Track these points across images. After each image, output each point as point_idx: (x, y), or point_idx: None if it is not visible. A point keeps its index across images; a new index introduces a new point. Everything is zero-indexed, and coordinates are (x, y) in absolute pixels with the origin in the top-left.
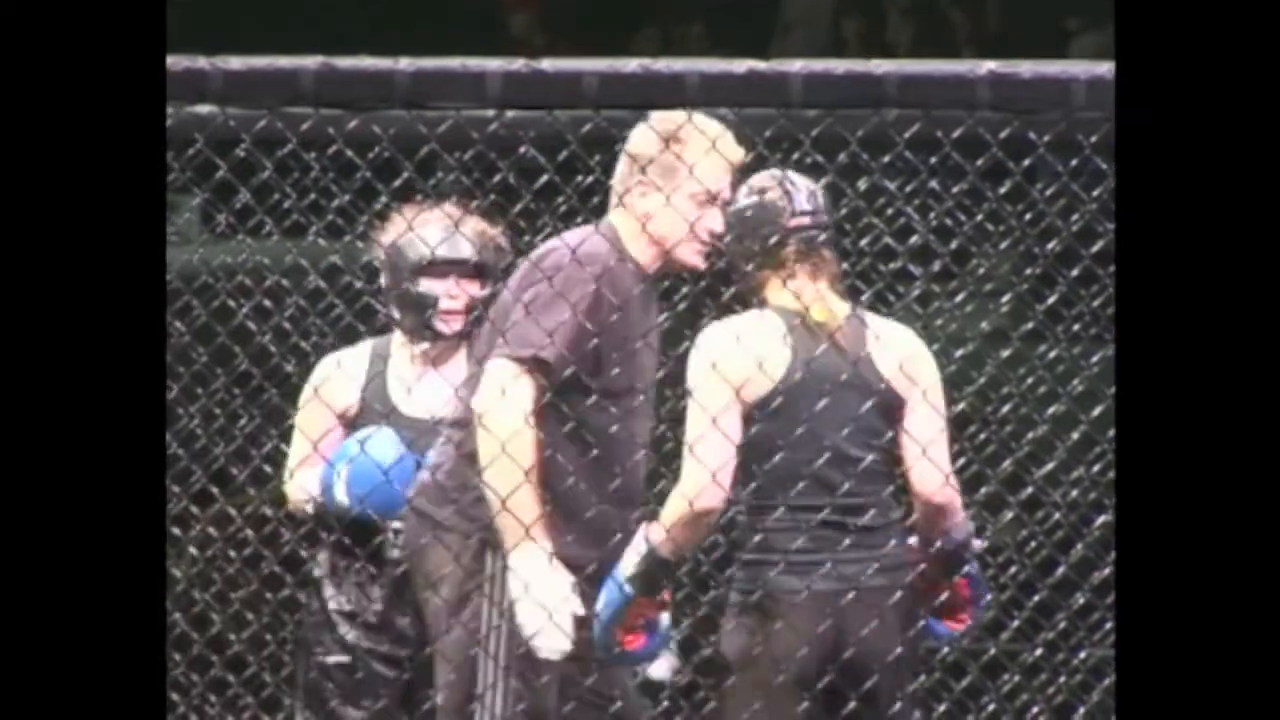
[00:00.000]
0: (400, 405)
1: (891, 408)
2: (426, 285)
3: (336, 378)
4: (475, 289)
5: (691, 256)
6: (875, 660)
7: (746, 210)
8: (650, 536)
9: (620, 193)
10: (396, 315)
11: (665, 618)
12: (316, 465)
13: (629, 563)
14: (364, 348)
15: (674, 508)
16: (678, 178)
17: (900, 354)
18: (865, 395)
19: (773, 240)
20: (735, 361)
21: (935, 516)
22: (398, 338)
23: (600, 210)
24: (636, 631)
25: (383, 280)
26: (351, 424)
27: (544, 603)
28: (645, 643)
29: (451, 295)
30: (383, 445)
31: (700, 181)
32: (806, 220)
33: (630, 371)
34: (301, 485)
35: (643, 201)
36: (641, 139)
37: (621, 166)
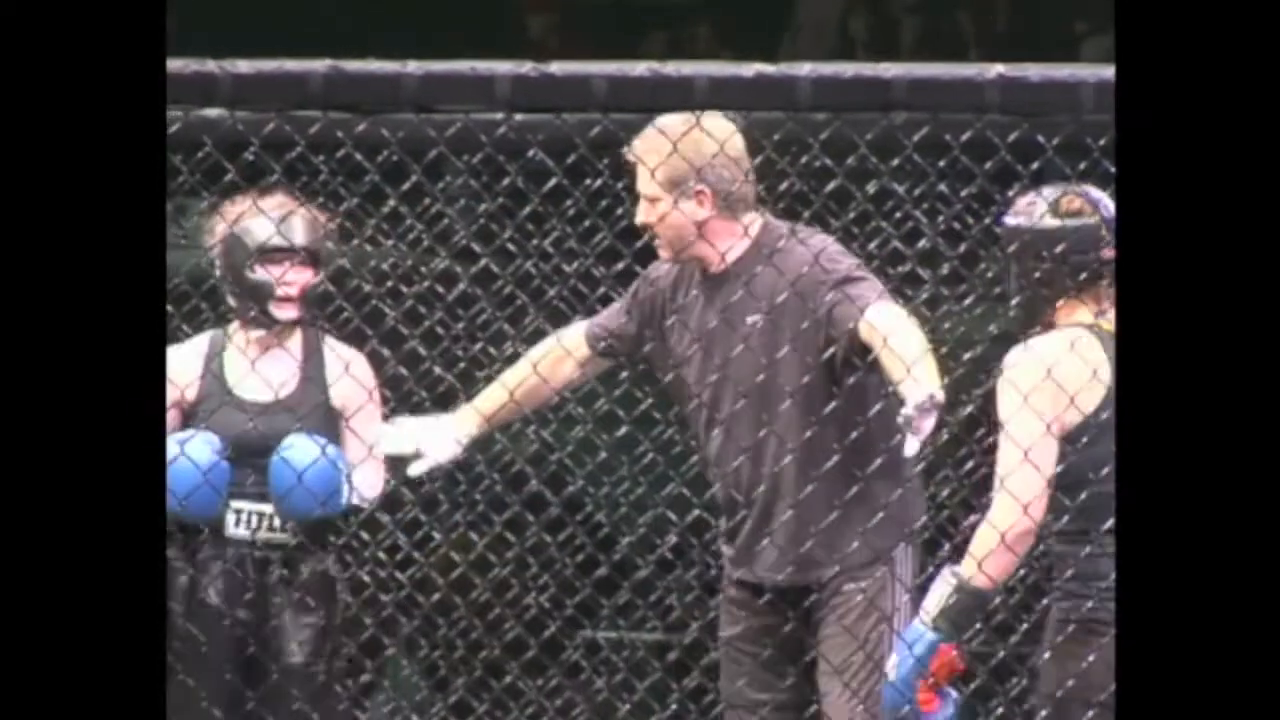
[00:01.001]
0: (237, 389)
1: None
2: (262, 273)
3: (184, 363)
4: (308, 276)
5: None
6: None
7: (1058, 231)
8: (960, 572)
9: None
10: (233, 303)
11: (952, 693)
12: None
13: (933, 602)
14: (202, 339)
15: (986, 539)
16: None
17: None
18: None
19: (1085, 268)
20: (1049, 389)
21: None
22: (234, 326)
23: (606, 214)
24: (932, 690)
25: (217, 269)
26: (192, 409)
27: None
28: (939, 707)
29: (286, 282)
30: (200, 448)
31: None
32: None
33: (664, 358)
34: None
35: None
36: None
37: None
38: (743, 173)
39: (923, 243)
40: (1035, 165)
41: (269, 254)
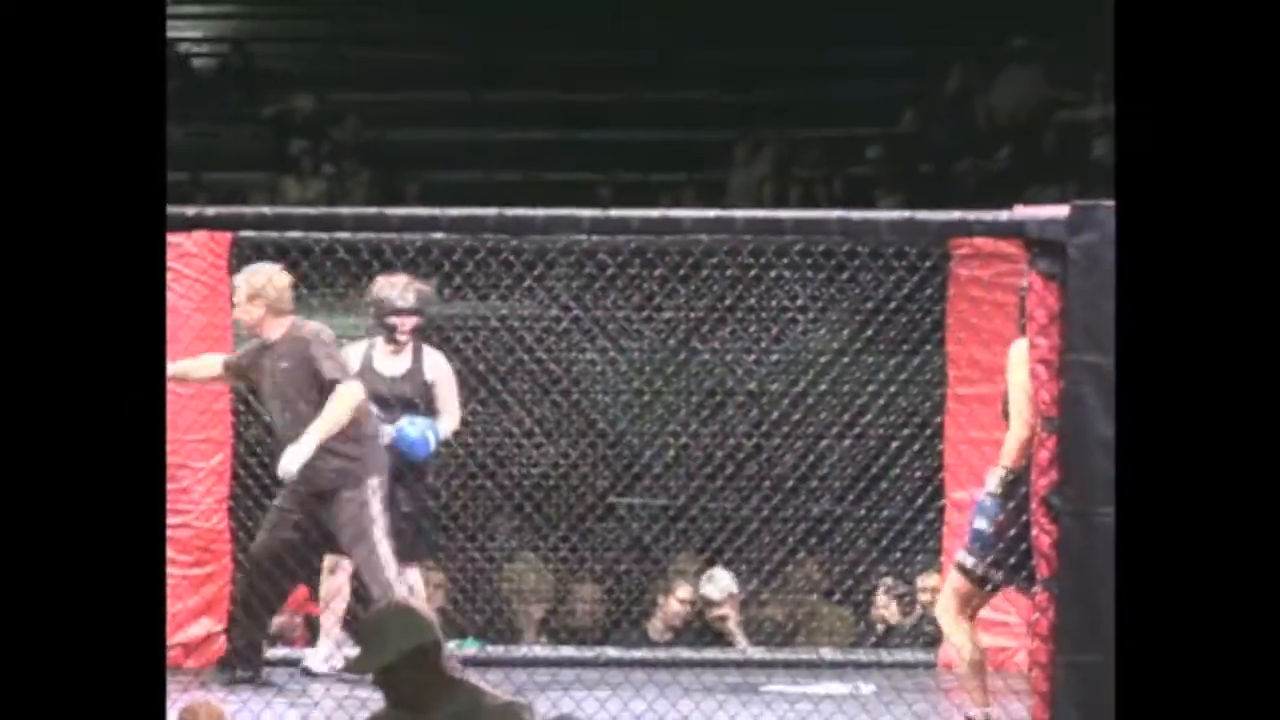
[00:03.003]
0: (380, 370)
1: None
2: (393, 320)
3: (353, 355)
4: (414, 321)
5: None
6: None
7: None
8: (1003, 463)
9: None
10: (379, 330)
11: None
12: None
13: (994, 484)
14: (363, 343)
15: (1012, 443)
16: None
17: None
18: None
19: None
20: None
21: None
22: (379, 340)
23: (640, 286)
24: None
25: (371, 313)
26: (358, 375)
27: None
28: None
29: (404, 326)
30: (419, 425)
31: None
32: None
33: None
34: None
35: None
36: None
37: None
38: (284, 295)
39: (799, 299)
40: (856, 262)
41: (397, 310)
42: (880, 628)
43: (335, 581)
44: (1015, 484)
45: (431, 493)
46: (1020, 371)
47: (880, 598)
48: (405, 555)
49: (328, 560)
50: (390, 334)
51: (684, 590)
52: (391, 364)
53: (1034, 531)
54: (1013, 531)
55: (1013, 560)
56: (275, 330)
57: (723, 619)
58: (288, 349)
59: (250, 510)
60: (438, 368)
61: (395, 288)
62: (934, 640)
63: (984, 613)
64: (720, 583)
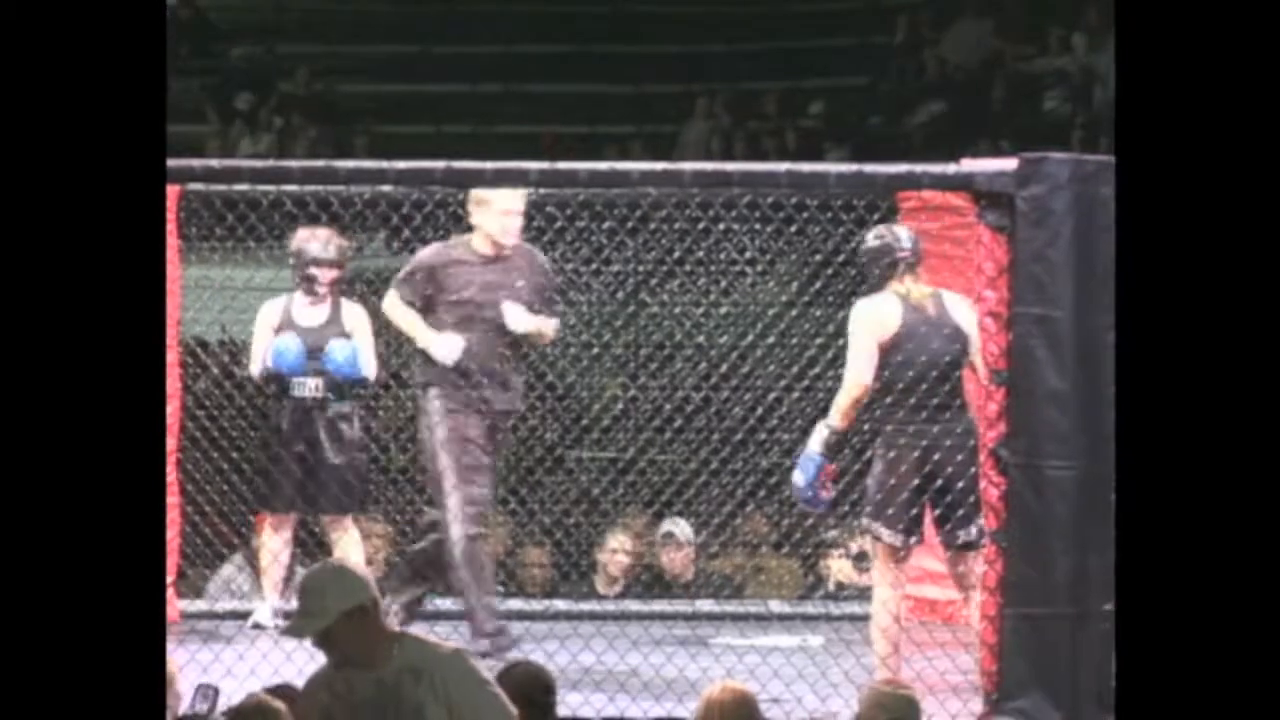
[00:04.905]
0: (298, 322)
1: (961, 345)
2: (313, 270)
3: (272, 310)
4: (335, 273)
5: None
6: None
7: (874, 245)
8: (829, 422)
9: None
10: (298, 282)
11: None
12: (260, 353)
13: (817, 441)
14: (283, 297)
15: (843, 400)
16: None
17: (964, 312)
18: (945, 338)
19: (889, 261)
20: (874, 319)
21: None
22: (298, 293)
23: (583, 234)
24: (827, 487)
25: (291, 264)
26: (278, 330)
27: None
28: (826, 495)
29: (323, 277)
30: (290, 341)
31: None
32: (907, 253)
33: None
34: (258, 363)
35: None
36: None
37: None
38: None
39: (747, 252)
40: (805, 215)
41: (318, 262)
42: (832, 584)
43: (275, 541)
44: (839, 446)
45: (358, 446)
46: (858, 328)
47: (834, 561)
48: (336, 508)
49: (268, 519)
50: (310, 285)
51: (628, 543)
52: (311, 314)
53: (982, 484)
54: (892, 483)
55: (890, 512)
56: (511, 239)
57: (683, 562)
58: (524, 264)
59: (198, 462)
60: (356, 318)
61: (316, 240)
62: None
63: (933, 565)
64: (683, 528)
